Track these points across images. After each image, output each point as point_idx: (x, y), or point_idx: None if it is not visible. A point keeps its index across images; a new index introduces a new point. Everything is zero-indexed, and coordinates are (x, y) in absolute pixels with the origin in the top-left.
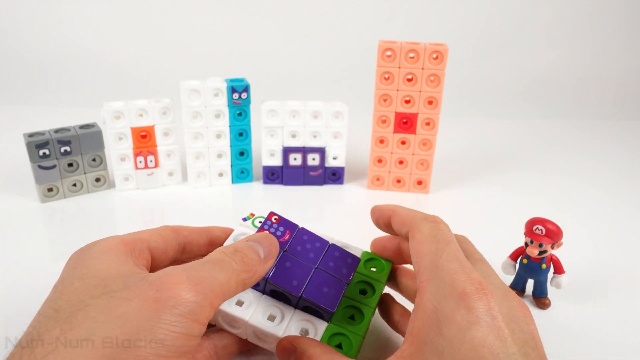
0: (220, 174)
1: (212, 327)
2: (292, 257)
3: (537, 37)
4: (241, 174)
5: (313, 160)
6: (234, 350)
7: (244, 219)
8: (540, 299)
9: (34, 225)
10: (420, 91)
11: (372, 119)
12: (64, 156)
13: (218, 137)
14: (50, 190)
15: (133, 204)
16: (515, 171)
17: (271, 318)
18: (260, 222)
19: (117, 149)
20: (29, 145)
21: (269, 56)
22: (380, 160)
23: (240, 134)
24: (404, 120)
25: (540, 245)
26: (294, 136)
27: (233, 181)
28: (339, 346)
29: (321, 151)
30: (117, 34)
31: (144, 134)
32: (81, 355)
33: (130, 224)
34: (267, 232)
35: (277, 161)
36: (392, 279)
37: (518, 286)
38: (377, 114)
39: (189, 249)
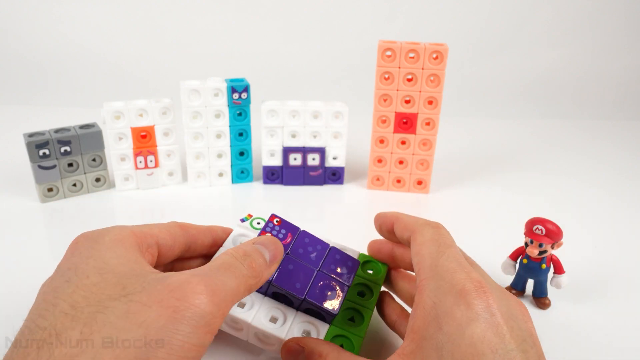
0: (220, 174)
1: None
2: (295, 259)
3: (537, 37)
4: (241, 174)
5: (313, 160)
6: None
7: (242, 220)
8: (540, 299)
9: (34, 225)
10: (420, 91)
11: (372, 119)
12: (64, 156)
13: (218, 137)
14: (50, 190)
15: (133, 204)
16: (515, 171)
17: (273, 320)
18: (258, 223)
19: (117, 149)
20: (29, 145)
21: (269, 56)
22: (380, 160)
23: (240, 134)
24: (404, 120)
25: (540, 245)
26: (294, 136)
27: (233, 181)
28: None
29: (321, 151)
30: (117, 34)
31: (144, 134)
32: None
33: (130, 224)
34: (274, 237)
35: (277, 161)
36: (390, 282)
37: (518, 286)
38: (377, 114)
39: (193, 248)
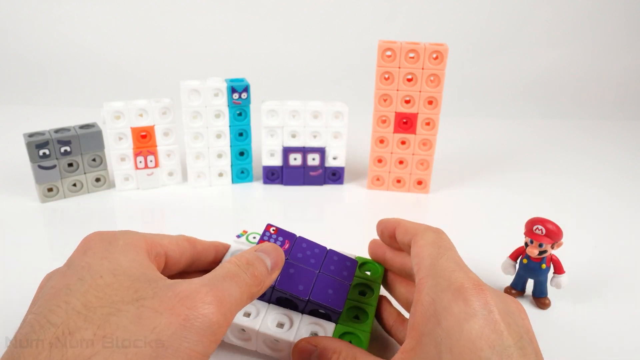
0: (220, 174)
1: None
2: (295, 264)
3: (537, 37)
4: (241, 174)
5: (313, 160)
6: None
7: (238, 236)
8: (540, 299)
9: (34, 225)
10: (420, 91)
11: (372, 119)
12: (64, 156)
13: (218, 137)
14: (50, 190)
15: (133, 204)
16: (515, 171)
17: (280, 325)
18: (254, 237)
19: (117, 149)
20: (29, 145)
21: (269, 56)
22: (380, 160)
23: (240, 134)
24: (404, 120)
25: (540, 245)
26: (294, 136)
27: (233, 181)
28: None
29: (321, 151)
30: (117, 34)
31: (144, 134)
32: None
33: (130, 224)
34: (275, 245)
35: (277, 161)
36: (387, 286)
37: (518, 286)
38: (377, 114)
39: (197, 263)
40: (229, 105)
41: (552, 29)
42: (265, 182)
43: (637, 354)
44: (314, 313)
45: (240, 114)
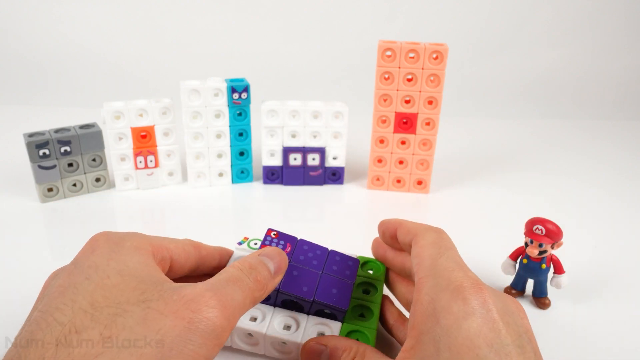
0: (220, 174)
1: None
2: (298, 266)
3: (537, 37)
4: (241, 174)
5: (313, 160)
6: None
7: (239, 244)
8: (540, 299)
9: (34, 225)
10: (420, 91)
11: (372, 119)
12: (64, 156)
13: (218, 137)
14: (50, 190)
15: (133, 204)
16: (515, 171)
17: (287, 327)
18: (255, 243)
19: (117, 149)
20: (29, 145)
21: (269, 56)
22: (380, 160)
23: (240, 134)
24: (404, 120)
25: (540, 245)
26: (294, 136)
27: (233, 181)
28: None
29: (321, 151)
30: (117, 34)
31: (144, 134)
32: None
33: (130, 224)
34: (278, 249)
35: (277, 161)
36: (389, 286)
37: (518, 286)
38: (377, 114)
39: (201, 268)
40: (229, 105)
41: (552, 29)
42: (265, 182)
43: (637, 354)
44: (319, 314)
45: (240, 114)
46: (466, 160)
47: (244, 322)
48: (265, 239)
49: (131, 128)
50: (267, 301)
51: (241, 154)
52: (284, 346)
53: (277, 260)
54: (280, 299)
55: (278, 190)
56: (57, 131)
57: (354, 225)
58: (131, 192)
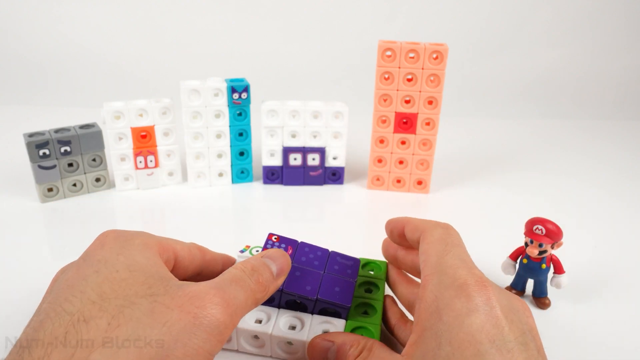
0: (220, 174)
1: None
2: (300, 267)
3: (537, 37)
4: (241, 174)
5: (313, 160)
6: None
7: (241, 252)
8: (540, 299)
9: (34, 225)
10: (420, 91)
11: (372, 119)
12: (64, 156)
13: (218, 137)
14: (50, 190)
15: (133, 204)
16: (515, 171)
17: (292, 327)
18: (257, 251)
19: (117, 149)
20: (29, 145)
21: (269, 56)
22: (380, 160)
23: (240, 134)
24: (404, 120)
25: (540, 245)
26: (294, 136)
27: (233, 181)
28: None
29: (321, 151)
30: (117, 34)
31: (144, 134)
32: (126, 355)
33: (130, 224)
34: (282, 250)
35: (277, 161)
36: (390, 287)
37: (518, 286)
38: (377, 114)
39: (205, 272)
40: (229, 105)
41: (552, 29)
42: (265, 182)
43: (637, 354)
44: (323, 312)
45: (240, 114)
46: (466, 160)
47: (250, 324)
48: (266, 243)
49: (131, 128)
50: (271, 303)
51: (241, 154)
52: (290, 346)
53: (280, 262)
54: (284, 300)
55: (278, 190)
56: (57, 131)
57: (354, 225)
58: (131, 192)
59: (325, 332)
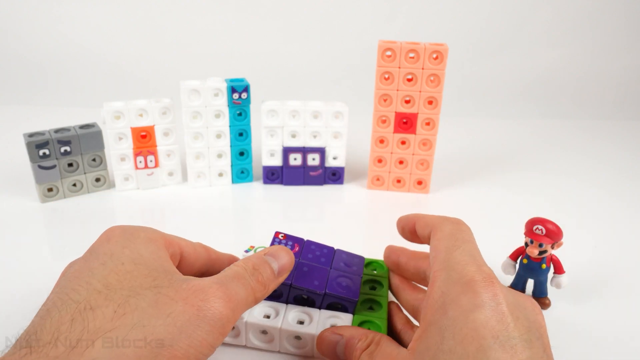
0: (220, 174)
1: None
2: (308, 263)
3: (537, 37)
4: (241, 174)
5: (313, 160)
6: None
7: (246, 251)
8: (540, 299)
9: (34, 225)
10: (420, 91)
11: (372, 119)
12: (64, 156)
13: (218, 137)
14: (50, 190)
15: (133, 204)
16: (515, 171)
17: (300, 322)
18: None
19: (117, 149)
20: (29, 145)
21: (269, 56)
22: (380, 160)
23: (240, 134)
24: (404, 120)
25: (540, 245)
26: (294, 136)
27: (233, 181)
28: None
29: (321, 151)
30: (117, 34)
31: (144, 134)
32: (131, 342)
33: (130, 224)
34: (285, 248)
35: (277, 161)
36: (394, 294)
37: (518, 286)
38: (377, 114)
39: (210, 271)
40: (229, 105)
41: (552, 29)
42: (265, 182)
43: (637, 353)
44: (330, 307)
45: (240, 114)
46: (466, 160)
47: (258, 319)
48: (273, 241)
49: (131, 128)
50: (279, 298)
51: (241, 154)
52: (299, 341)
53: (282, 260)
54: (292, 295)
55: (278, 190)
56: (57, 131)
57: (354, 225)
58: (131, 192)
59: (333, 326)
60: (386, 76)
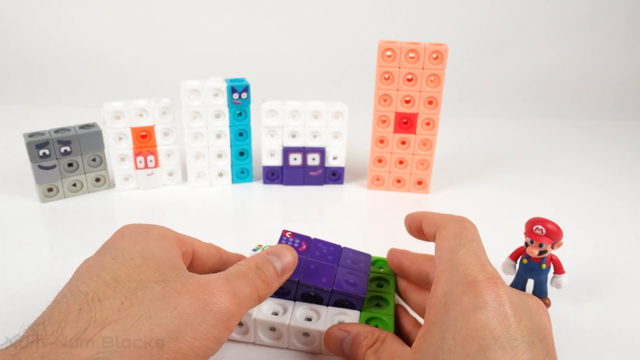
0: (220, 174)
1: None
2: (315, 261)
3: (537, 37)
4: (241, 174)
5: (313, 160)
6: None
7: (254, 250)
8: (540, 299)
9: (34, 225)
10: (420, 91)
11: (372, 119)
12: (64, 156)
13: (218, 137)
14: (50, 190)
15: (133, 204)
16: (515, 171)
17: (308, 319)
18: None
19: (117, 149)
20: (29, 145)
21: (269, 56)
22: (380, 160)
23: (240, 134)
24: (404, 120)
25: (541, 245)
26: (294, 136)
27: (233, 181)
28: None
29: (321, 151)
30: (117, 34)
31: (144, 134)
32: (137, 333)
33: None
34: (289, 246)
35: (277, 161)
36: (401, 296)
37: (518, 286)
38: (377, 114)
39: (220, 270)
40: (229, 105)
41: (552, 29)
42: (265, 182)
43: (637, 353)
44: (338, 304)
45: (240, 114)
46: (466, 160)
47: (267, 316)
48: (280, 239)
49: (131, 128)
50: (287, 295)
51: (241, 154)
52: (307, 337)
53: (285, 259)
54: (300, 292)
55: (278, 190)
56: (57, 131)
57: (354, 225)
58: (131, 192)
59: (341, 323)
60: (386, 76)
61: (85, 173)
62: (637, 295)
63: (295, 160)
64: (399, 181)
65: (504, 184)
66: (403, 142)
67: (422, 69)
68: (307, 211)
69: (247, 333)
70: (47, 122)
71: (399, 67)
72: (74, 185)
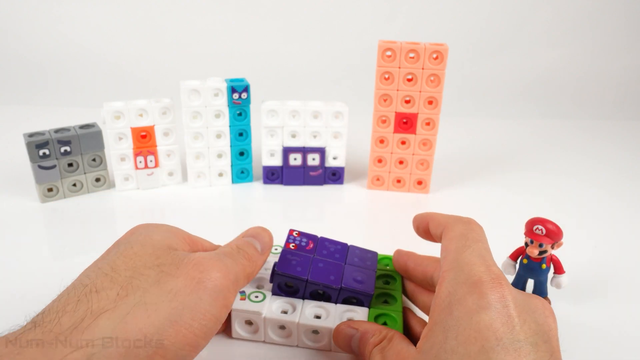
0: (220, 174)
1: None
2: (322, 259)
3: (537, 37)
4: (241, 174)
5: (313, 160)
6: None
7: None
8: None
9: (34, 225)
10: (420, 91)
11: (372, 119)
12: (64, 156)
13: (218, 137)
14: (50, 190)
15: (133, 204)
16: (515, 171)
17: (317, 317)
18: (275, 249)
19: (117, 149)
20: (29, 145)
21: (269, 56)
22: (380, 160)
23: (240, 134)
24: (404, 120)
25: (541, 245)
26: (294, 136)
27: (233, 181)
28: (384, 325)
29: (321, 151)
30: (117, 34)
31: (144, 134)
32: (134, 321)
33: (130, 224)
34: (261, 226)
35: (277, 161)
36: (410, 298)
37: (518, 286)
38: (377, 114)
39: None
40: (229, 105)
41: (552, 29)
42: (265, 182)
43: (637, 353)
44: (346, 301)
45: (240, 114)
46: (466, 160)
47: (276, 315)
48: (288, 237)
49: (131, 128)
50: (295, 294)
51: (241, 154)
52: (316, 335)
53: (263, 240)
54: (308, 290)
55: (278, 190)
56: (57, 131)
57: (354, 225)
58: (131, 192)
59: (350, 320)
60: (386, 76)
61: (85, 173)
62: (637, 295)
63: (295, 160)
64: (399, 181)
65: (504, 184)
66: (403, 142)
67: (422, 69)
68: (307, 211)
69: (257, 332)
70: (47, 122)
71: (399, 67)
72: (74, 185)
